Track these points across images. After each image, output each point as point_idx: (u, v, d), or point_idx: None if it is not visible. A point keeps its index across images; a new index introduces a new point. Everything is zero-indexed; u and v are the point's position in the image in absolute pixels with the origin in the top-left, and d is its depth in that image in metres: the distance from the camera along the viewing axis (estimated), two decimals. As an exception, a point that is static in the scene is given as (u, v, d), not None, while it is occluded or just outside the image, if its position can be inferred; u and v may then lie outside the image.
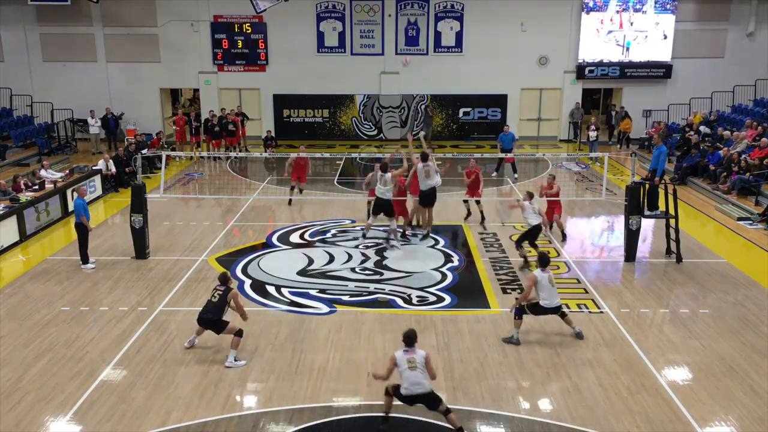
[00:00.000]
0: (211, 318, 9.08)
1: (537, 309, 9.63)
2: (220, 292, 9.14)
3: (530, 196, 12.94)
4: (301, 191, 17.67)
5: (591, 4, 26.08)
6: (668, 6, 26.00)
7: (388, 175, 13.46)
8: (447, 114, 27.33)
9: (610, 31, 26.38)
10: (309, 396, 8.34)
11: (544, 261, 9.76)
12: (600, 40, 26.40)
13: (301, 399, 8.28)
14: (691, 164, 19.94)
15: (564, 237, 14.57)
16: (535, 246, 12.69)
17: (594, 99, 31.01)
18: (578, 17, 26.26)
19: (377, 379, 7.76)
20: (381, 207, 13.64)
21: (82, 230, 12.67)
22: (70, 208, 16.61)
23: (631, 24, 26.28)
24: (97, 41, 26.38)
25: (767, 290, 11.77)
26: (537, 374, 8.89)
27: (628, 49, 26.44)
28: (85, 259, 12.84)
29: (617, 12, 26.14)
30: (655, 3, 25.98)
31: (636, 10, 26.12)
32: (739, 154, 18.61)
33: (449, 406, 7.50)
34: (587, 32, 26.36)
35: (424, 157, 13.68)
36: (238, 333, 9.17)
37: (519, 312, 9.67)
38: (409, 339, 7.47)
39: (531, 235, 12.74)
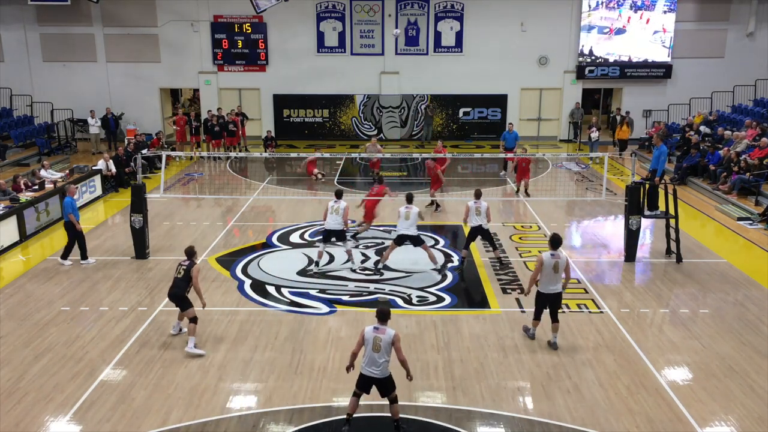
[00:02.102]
0: (177, 293, 9.41)
1: (539, 298, 9.52)
2: (185, 267, 9.46)
3: (477, 195, 12.69)
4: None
5: (639, 3, 26.10)
6: None
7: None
8: (447, 114, 27.34)
9: (655, 32, 26.37)
10: (309, 396, 8.34)
11: (554, 242, 9.38)
12: (645, 39, 26.40)
13: (301, 399, 8.28)
14: (691, 164, 19.93)
15: (527, 195, 17.53)
16: (468, 248, 12.91)
17: (594, 99, 30.99)
18: (578, 17, 26.27)
19: (351, 364, 7.53)
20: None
21: (72, 229, 12.73)
22: (70, 208, 16.63)
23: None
24: (97, 41, 26.38)
25: (767, 290, 11.77)
26: (537, 374, 8.89)
27: (671, 50, 26.43)
28: (83, 255, 12.95)
29: (663, 12, 26.16)
30: None
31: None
32: (739, 154, 18.61)
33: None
34: (634, 30, 26.40)
35: (409, 199, 12.68)
36: (193, 320, 9.43)
37: (536, 314, 9.63)
38: (383, 315, 7.38)
39: (473, 236, 12.79)
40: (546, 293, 9.41)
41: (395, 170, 22.19)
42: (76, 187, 14.60)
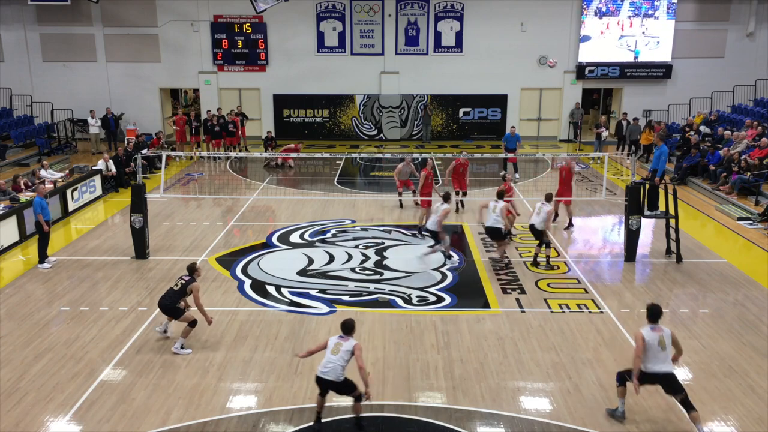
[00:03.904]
0: (167, 304, 9.37)
1: (643, 378, 7.52)
2: (183, 282, 9.43)
3: (547, 198, 13.03)
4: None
5: (604, 9, 26.14)
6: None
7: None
8: (447, 114, 27.34)
9: (622, 36, 26.43)
10: (309, 396, 8.32)
11: (654, 314, 7.61)
12: (611, 44, 26.44)
13: (301, 399, 8.27)
14: (691, 164, 19.94)
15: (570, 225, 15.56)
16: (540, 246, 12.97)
17: (592, 99, 30.99)
18: (578, 17, 26.29)
19: (302, 356, 7.93)
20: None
21: (40, 228, 12.75)
22: (71, 207, 16.65)
23: (645, 29, 26.27)
24: (97, 41, 26.39)
25: (767, 290, 11.77)
26: (537, 374, 8.89)
27: (636, 57, 26.50)
28: (42, 258, 12.88)
29: (629, 17, 26.21)
30: (668, 9, 26.03)
31: (647, 16, 26.16)
32: (740, 154, 18.62)
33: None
34: (596, 35, 26.48)
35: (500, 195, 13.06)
36: (192, 323, 9.44)
37: (620, 378, 7.82)
38: (345, 328, 7.55)
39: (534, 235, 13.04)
40: (652, 373, 7.43)
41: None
42: (46, 187, 14.52)
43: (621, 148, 24.02)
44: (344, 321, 7.63)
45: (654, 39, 26.30)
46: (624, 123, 24.14)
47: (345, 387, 7.50)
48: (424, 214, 14.68)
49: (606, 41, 26.47)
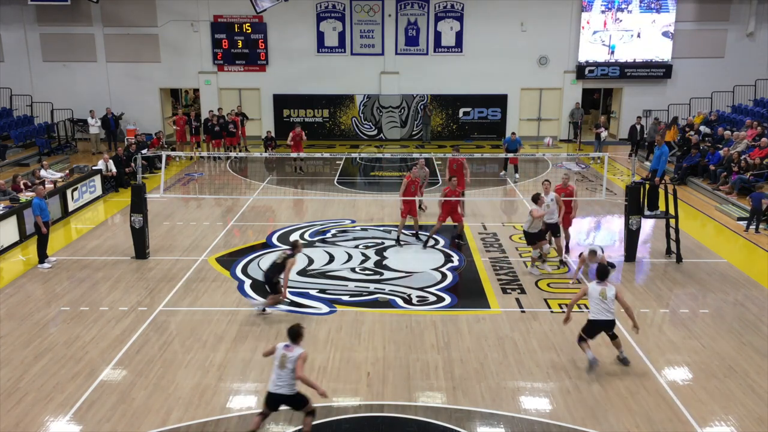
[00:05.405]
0: (268, 276, 10.60)
1: (589, 326, 8.99)
2: (285, 255, 10.60)
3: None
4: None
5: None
6: (653, 5, 26.08)
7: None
8: (447, 114, 27.34)
9: (595, 32, 26.50)
10: (309, 396, 8.32)
11: (600, 274, 9.03)
12: (585, 40, 26.55)
13: (301, 399, 8.27)
14: (691, 164, 19.94)
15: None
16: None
17: (593, 99, 30.99)
18: (578, 17, 26.29)
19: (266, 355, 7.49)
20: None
21: (39, 229, 12.78)
22: (71, 207, 16.65)
23: (619, 22, 26.30)
24: (97, 41, 26.40)
25: (767, 290, 11.77)
26: (537, 374, 8.89)
27: (613, 51, 26.52)
28: (41, 259, 12.87)
29: (602, 12, 26.27)
30: (641, 2, 26.04)
31: (620, 10, 26.20)
32: (740, 154, 18.62)
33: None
34: (583, 32, 26.56)
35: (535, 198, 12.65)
36: (279, 301, 10.75)
37: (580, 340, 9.04)
38: (292, 335, 7.27)
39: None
40: (596, 320, 8.88)
41: (395, 170, 22.18)
42: (45, 188, 14.51)
43: (635, 152, 23.04)
44: (290, 327, 7.31)
45: (628, 33, 26.31)
46: (638, 127, 23.43)
47: (298, 401, 7.23)
48: (403, 224, 14.36)
49: (582, 38, 26.52)
